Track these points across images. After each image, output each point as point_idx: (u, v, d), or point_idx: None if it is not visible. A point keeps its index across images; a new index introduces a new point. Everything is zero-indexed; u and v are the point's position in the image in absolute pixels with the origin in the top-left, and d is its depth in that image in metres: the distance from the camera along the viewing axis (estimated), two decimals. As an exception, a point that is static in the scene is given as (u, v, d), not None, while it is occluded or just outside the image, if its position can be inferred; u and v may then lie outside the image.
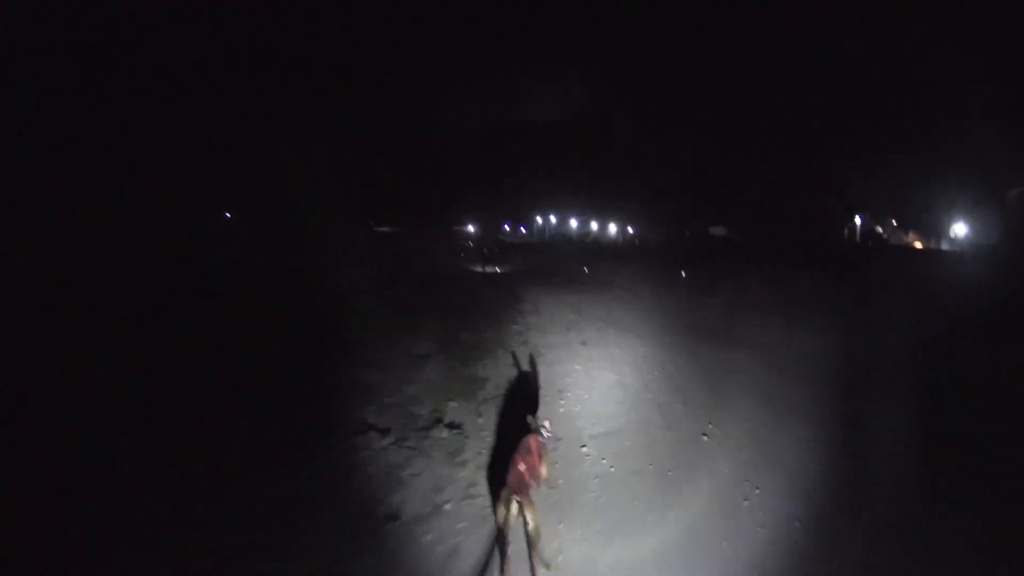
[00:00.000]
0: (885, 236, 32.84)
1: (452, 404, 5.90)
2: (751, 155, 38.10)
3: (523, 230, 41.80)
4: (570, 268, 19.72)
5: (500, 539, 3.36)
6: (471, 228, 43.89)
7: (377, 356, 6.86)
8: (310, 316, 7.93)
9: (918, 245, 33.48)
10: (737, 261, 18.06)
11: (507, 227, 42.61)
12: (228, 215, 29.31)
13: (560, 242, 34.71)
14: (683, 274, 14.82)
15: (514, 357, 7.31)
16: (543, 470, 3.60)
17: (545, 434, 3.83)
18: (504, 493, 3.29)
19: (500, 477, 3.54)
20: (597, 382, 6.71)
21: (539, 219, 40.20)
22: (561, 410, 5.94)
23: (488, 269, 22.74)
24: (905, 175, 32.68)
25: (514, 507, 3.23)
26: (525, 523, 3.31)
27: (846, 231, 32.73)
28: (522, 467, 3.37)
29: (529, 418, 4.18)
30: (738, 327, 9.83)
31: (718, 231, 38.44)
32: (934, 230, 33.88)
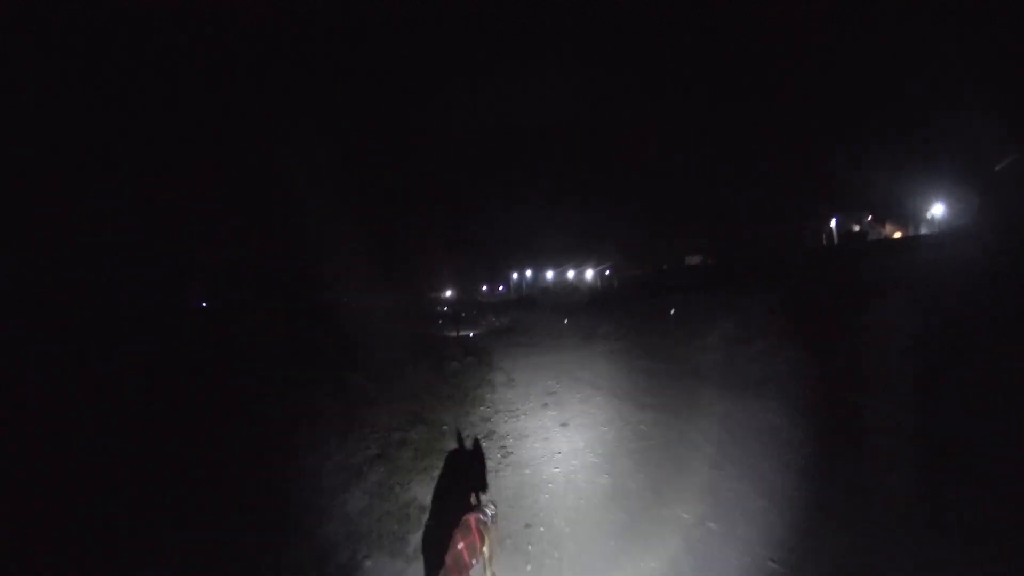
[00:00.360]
0: (864, 233, 32.03)
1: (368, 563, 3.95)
2: (716, 175, 37.91)
3: (501, 288, 40.36)
4: (549, 321, 18.42)
5: None
6: (448, 293, 42.41)
7: (303, 471, 5.61)
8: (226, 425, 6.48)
9: (897, 235, 32.82)
10: (715, 288, 16.65)
11: (485, 288, 41.35)
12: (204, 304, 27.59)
13: (537, 295, 33.18)
14: (672, 311, 13.24)
15: (470, 466, 5.41)
16: (485, 550, 3.38)
17: (488, 512, 3.54)
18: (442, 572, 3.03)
19: (438, 561, 3.30)
20: (584, 498, 4.45)
21: (515, 275, 38.84)
22: (528, 567, 3.70)
23: (461, 333, 21.04)
24: (872, 167, 32.55)
25: None
26: None
27: (824, 237, 31.90)
28: (461, 546, 3.16)
29: (472, 497, 3.88)
30: (743, 363, 8.00)
31: (694, 260, 37.60)
32: (911, 217, 33.45)
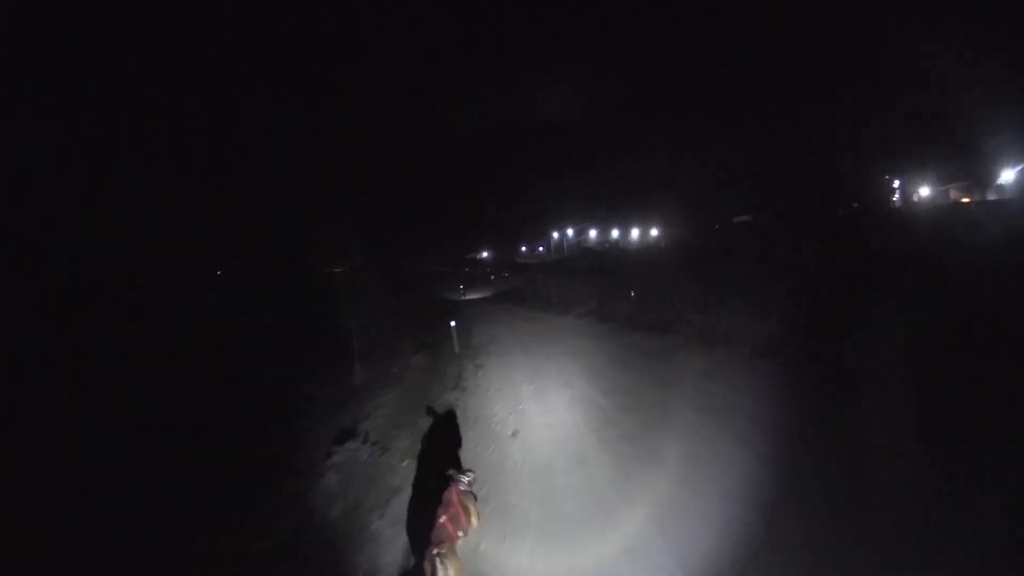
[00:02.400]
0: (931, 197, 30.42)
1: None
2: (773, 132, 36.14)
3: (541, 249, 39.94)
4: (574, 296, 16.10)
5: None
6: (485, 254, 42.35)
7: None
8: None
9: (965, 201, 31.12)
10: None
11: (524, 249, 40.96)
12: (219, 273, 28.18)
13: (579, 255, 32.69)
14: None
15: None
16: (472, 520, 3.44)
17: (466, 480, 3.63)
18: (428, 552, 2.99)
19: (423, 536, 3.30)
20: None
21: (555, 235, 38.24)
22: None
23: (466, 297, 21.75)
24: (936, 125, 30.51)
25: (438, 564, 2.93)
26: None
27: (895, 198, 30.30)
28: (443, 519, 3.19)
29: (450, 471, 3.75)
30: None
31: (743, 219, 36.40)
32: (978, 182, 31.59)
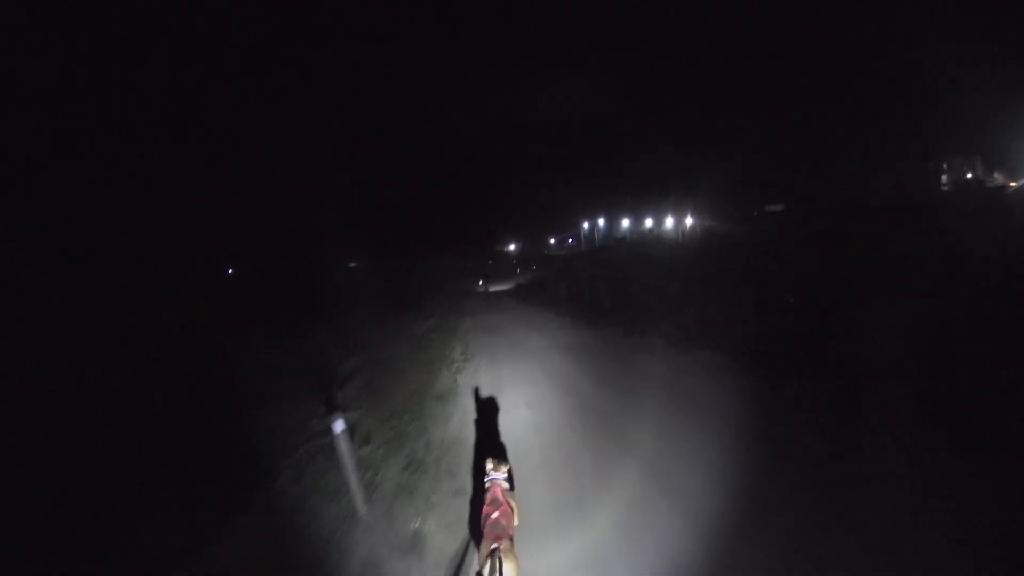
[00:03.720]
0: (980, 180, 29.40)
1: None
2: (810, 115, 35.02)
3: (571, 241, 39.21)
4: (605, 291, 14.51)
5: None
6: (512, 247, 41.72)
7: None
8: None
9: (1012, 185, 30.15)
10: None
11: (553, 241, 40.27)
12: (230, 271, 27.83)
13: (612, 245, 31.96)
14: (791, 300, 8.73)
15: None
16: (516, 519, 3.45)
17: (504, 474, 3.68)
18: (484, 547, 3.05)
19: (480, 534, 3.30)
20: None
21: (586, 225, 37.41)
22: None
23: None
24: (982, 102, 29.34)
25: (499, 560, 2.94)
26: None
27: (944, 181, 29.27)
28: (495, 515, 3.26)
29: (487, 465, 3.72)
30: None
31: (775, 207, 35.60)
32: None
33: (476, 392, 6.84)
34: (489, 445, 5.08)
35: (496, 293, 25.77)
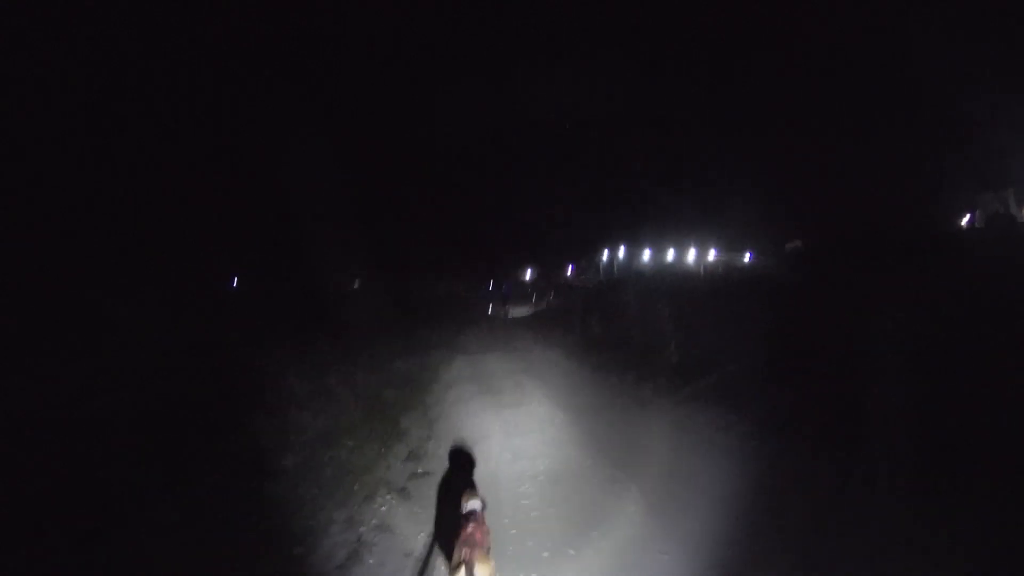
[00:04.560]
0: (1015, 216, 28.45)
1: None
2: (832, 148, 34.75)
3: (571, 271, 38.80)
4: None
5: None
6: (529, 274, 41.36)
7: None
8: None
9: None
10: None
11: (572, 268, 39.95)
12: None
13: (633, 278, 31.44)
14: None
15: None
16: (489, 544, 3.42)
17: (479, 507, 3.69)
18: (456, 554, 3.01)
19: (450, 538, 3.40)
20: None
21: (606, 253, 37.01)
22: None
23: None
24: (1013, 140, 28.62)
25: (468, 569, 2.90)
26: None
27: (967, 219, 28.51)
28: (470, 529, 3.29)
29: (464, 500, 3.79)
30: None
31: (794, 244, 35.07)
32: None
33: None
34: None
35: (502, 324, 23.13)
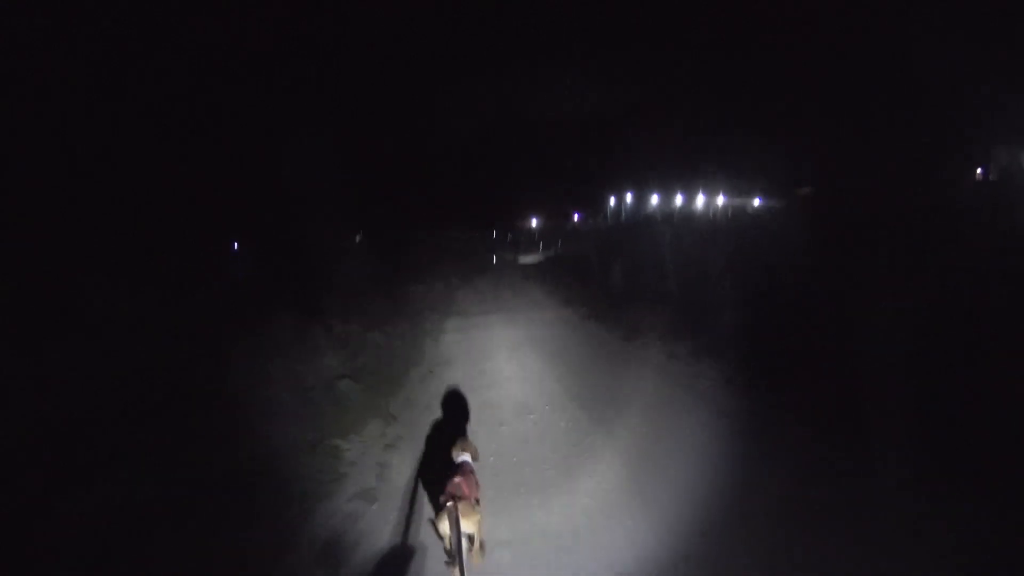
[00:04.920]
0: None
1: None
2: (845, 96, 33.26)
3: (577, 218, 38.39)
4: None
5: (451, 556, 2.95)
6: (535, 222, 41.02)
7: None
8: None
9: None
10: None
11: (577, 217, 39.49)
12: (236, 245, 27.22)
13: (642, 223, 31.14)
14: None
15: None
16: (479, 497, 3.43)
17: (471, 460, 3.60)
18: (442, 499, 2.99)
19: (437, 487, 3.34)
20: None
21: (612, 200, 36.53)
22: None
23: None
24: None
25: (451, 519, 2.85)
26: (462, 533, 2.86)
27: (979, 173, 27.84)
28: (458, 479, 3.19)
29: (454, 452, 3.68)
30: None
31: (805, 191, 34.50)
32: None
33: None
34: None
35: (509, 275, 20.97)
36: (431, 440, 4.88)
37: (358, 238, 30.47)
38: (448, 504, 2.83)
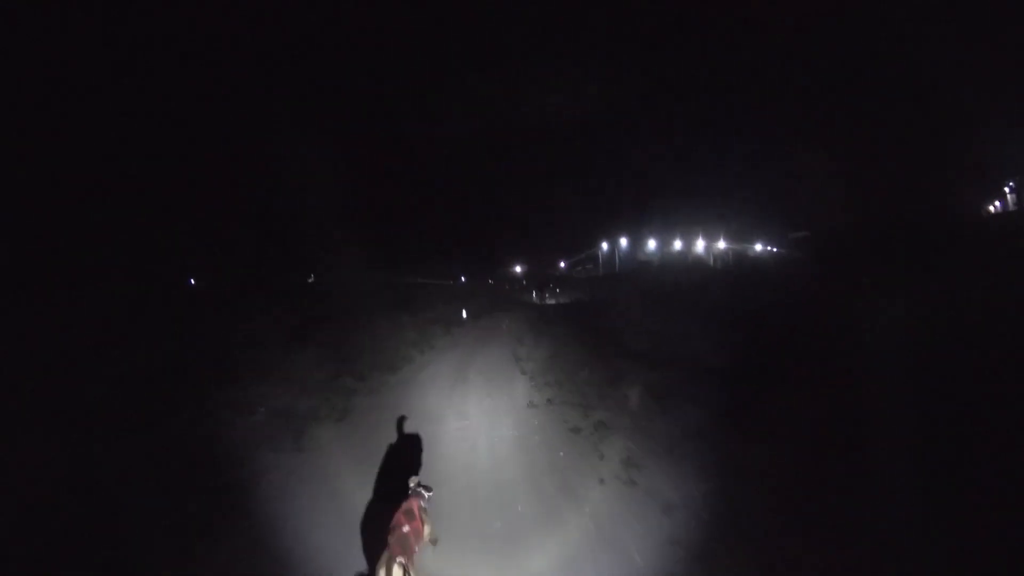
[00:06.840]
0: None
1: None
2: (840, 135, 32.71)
3: (589, 266, 35.68)
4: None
5: None
6: (518, 269, 38.11)
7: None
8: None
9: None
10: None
11: (563, 264, 36.81)
12: (192, 281, 24.83)
13: (637, 272, 28.44)
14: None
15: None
16: (425, 531, 3.47)
17: (427, 495, 3.70)
18: (385, 556, 3.00)
19: (379, 540, 3.30)
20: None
21: (605, 246, 33.92)
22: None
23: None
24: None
25: (397, 571, 2.95)
26: None
27: (992, 207, 26.92)
28: (406, 529, 3.19)
29: (411, 481, 3.83)
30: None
31: (799, 235, 33.43)
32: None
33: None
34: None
35: (489, 331, 15.58)
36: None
37: (310, 279, 27.76)
38: (399, 561, 2.94)
